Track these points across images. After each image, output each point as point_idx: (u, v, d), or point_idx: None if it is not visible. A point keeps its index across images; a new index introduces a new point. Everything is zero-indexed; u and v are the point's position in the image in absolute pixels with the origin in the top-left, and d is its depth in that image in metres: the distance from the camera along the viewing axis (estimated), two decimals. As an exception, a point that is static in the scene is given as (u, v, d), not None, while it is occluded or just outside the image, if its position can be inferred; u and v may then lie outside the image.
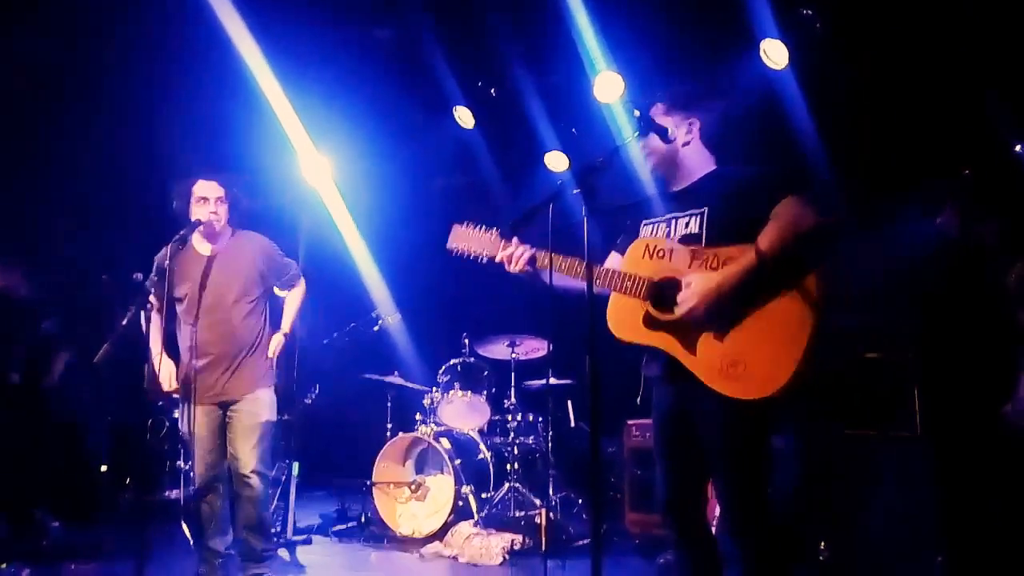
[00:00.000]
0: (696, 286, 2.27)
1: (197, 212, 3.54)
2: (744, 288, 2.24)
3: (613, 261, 2.64)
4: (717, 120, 2.56)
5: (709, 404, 2.30)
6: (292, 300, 3.83)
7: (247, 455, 3.44)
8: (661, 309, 2.37)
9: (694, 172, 2.53)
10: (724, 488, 2.37)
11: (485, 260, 2.61)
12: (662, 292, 2.37)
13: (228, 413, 3.51)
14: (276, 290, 3.78)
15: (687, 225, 2.44)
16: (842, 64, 4.61)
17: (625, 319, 2.42)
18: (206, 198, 3.54)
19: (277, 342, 3.70)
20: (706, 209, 2.41)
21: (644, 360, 2.57)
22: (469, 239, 2.63)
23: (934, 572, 3.49)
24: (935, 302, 3.92)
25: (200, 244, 3.62)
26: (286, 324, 3.78)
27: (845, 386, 3.88)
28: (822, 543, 3.83)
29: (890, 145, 4.49)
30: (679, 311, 2.29)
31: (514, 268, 2.54)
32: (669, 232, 2.48)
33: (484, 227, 2.63)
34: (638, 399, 2.59)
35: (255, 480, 3.45)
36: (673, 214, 2.51)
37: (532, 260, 2.52)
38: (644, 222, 2.60)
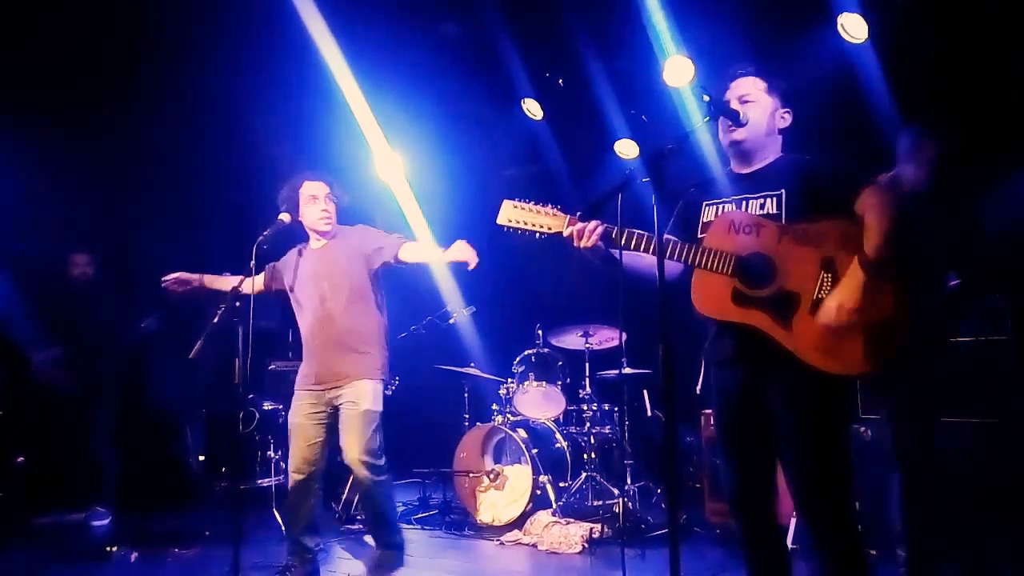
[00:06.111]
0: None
1: (309, 212, 3.68)
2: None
3: None
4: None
5: (797, 381, 2.26)
6: (418, 247, 3.66)
7: (351, 444, 3.48)
8: (750, 285, 2.33)
9: (766, 156, 2.52)
10: (802, 474, 2.30)
11: (546, 235, 2.45)
12: (750, 268, 2.33)
13: (337, 406, 3.57)
14: (402, 256, 3.63)
15: (763, 206, 2.42)
16: (926, 36, 4.39)
17: (711, 295, 2.37)
18: (316, 196, 3.68)
19: (458, 247, 3.47)
20: (783, 192, 2.39)
21: (707, 344, 2.53)
22: (523, 213, 2.46)
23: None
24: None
25: (313, 241, 3.78)
26: (437, 251, 3.60)
27: (943, 372, 3.71)
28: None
29: (975, 118, 4.26)
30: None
31: (585, 242, 2.37)
32: None
33: (541, 203, 2.47)
34: (698, 387, 2.55)
35: (361, 469, 3.46)
36: (743, 195, 2.47)
37: (605, 235, 2.37)
38: (706, 203, 2.55)
